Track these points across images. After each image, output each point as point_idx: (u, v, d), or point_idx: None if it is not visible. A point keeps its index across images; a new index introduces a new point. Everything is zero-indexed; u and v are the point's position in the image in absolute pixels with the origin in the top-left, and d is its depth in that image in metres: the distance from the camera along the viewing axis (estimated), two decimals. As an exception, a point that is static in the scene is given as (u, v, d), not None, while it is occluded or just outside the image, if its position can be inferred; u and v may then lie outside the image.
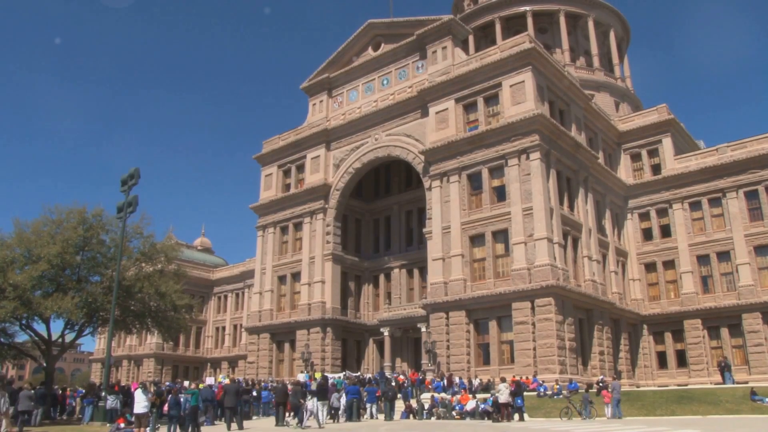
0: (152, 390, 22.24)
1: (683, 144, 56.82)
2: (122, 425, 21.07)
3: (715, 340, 47.95)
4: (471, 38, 65.57)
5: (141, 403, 19.79)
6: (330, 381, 31.89)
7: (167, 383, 34.51)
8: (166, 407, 21.85)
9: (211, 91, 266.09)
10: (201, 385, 31.11)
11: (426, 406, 32.19)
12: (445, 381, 36.98)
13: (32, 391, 23.72)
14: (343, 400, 28.94)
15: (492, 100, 45.22)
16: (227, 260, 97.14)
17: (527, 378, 35.73)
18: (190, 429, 21.79)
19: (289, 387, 27.66)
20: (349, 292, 55.33)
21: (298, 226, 56.69)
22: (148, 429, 21.22)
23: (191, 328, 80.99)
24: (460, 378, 38.02)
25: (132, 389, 34.15)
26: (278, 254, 57.39)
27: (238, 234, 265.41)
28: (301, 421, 25.03)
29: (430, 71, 49.32)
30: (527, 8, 70.27)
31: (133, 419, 21.20)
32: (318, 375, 38.80)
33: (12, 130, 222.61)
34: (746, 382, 38.69)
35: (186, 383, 31.64)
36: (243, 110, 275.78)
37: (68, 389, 39.61)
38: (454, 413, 31.33)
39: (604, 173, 50.80)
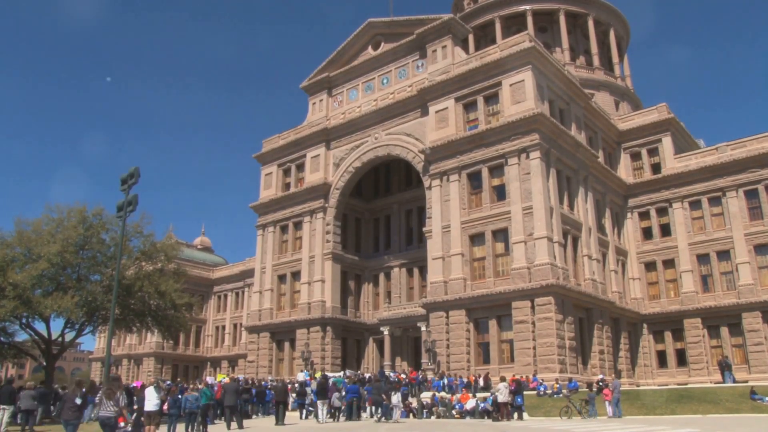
0: (164, 388, 22.25)
1: (683, 143, 56.80)
2: (122, 424, 21.02)
3: (715, 339, 47.95)
4: (471, 37, 65.54)
5: (152, 401, 19.82)
6: (330, 380, 31.87)
7: (167, 382, 34.44)
8: (165, 406, 21.83)
9: (211, 91, 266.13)
10: (224, 376, 31.02)
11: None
12: (482, 381, 36.65)
13: (34, 391, 23.77)
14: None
15: (492, 99, 45.19)
16: (227, 259, 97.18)
17: (527, 377, 35.72)
18: (198, 427, 21.90)
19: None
20: (349, 291, 55.32)
21: (298, 225, 56.67)
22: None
23: (191, 327, 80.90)
24: (461, 377, 37.99)
25: (135, 387, 34.16)
26: (278, 253, 57.37)
27: (238, 233, 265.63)
28: (385, 415, 27.23)
29: (430, 70, 49.29)
30: (527, 7, 70.23)
31: (133, 418, 21.20)
32: (318, 374, 38.78)
33: (13, 129, 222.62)
34: (746, 381, 38.74)
35: (189, 385, 31.64)
36: (243, 110, 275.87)
37: (65, 389, 39.55)
38: (453, 412, 31.34)
39: (604, 172, 50.79)
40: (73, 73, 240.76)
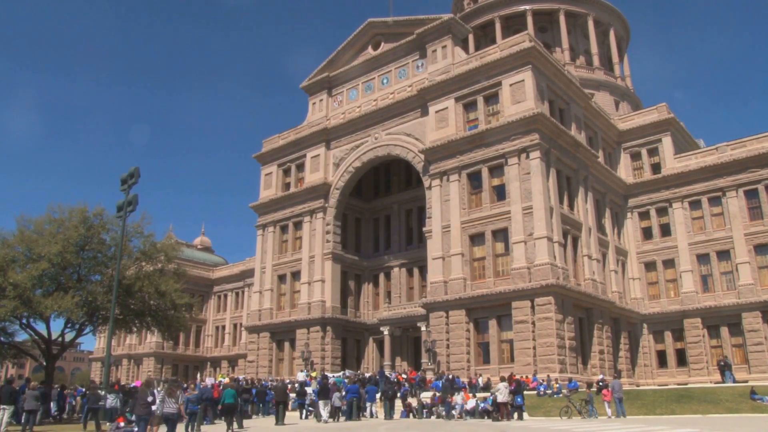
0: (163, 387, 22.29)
1: (683, 143, 56.82)
2: (122, 424, 20.99)
3: (714, 339, 47.96)
4: (471, 37, 65.54)
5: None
6: (330, 380, 31.86)
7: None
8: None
9: (211, 91, 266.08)
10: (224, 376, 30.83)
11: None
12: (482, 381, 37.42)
13: (37, 391, 23.75)
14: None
15: (492, 99, 45.19)
16: (227, 259, 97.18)
17: (527, 377, 35.71)
18: (197, 428, 22.31)
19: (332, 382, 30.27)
20: (349, 291, 55.31)
21: (297, 225, 56.66)
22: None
23: (191, 327, 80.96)
24: (458, 377, 37.97)
25: (135, 387, 34.16)
26: (278, 253, 57.36)
27: (238, 233, 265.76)
28: (447, 412, 29.74)
29: (430, 70, 49.28)
30: (527, 7, 70.26)
31: (133, 418, 21.16)
32: (315, 374, 38.77)
33: (14, 130, 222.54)
34: (746, 381, 38.75)
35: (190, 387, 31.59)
36: (243, 110, 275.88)
37: (66, 389, 39.52)
38: (454, 412, 31.31)
39: (604, 172, 50.79)
40: (73, 73, 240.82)
